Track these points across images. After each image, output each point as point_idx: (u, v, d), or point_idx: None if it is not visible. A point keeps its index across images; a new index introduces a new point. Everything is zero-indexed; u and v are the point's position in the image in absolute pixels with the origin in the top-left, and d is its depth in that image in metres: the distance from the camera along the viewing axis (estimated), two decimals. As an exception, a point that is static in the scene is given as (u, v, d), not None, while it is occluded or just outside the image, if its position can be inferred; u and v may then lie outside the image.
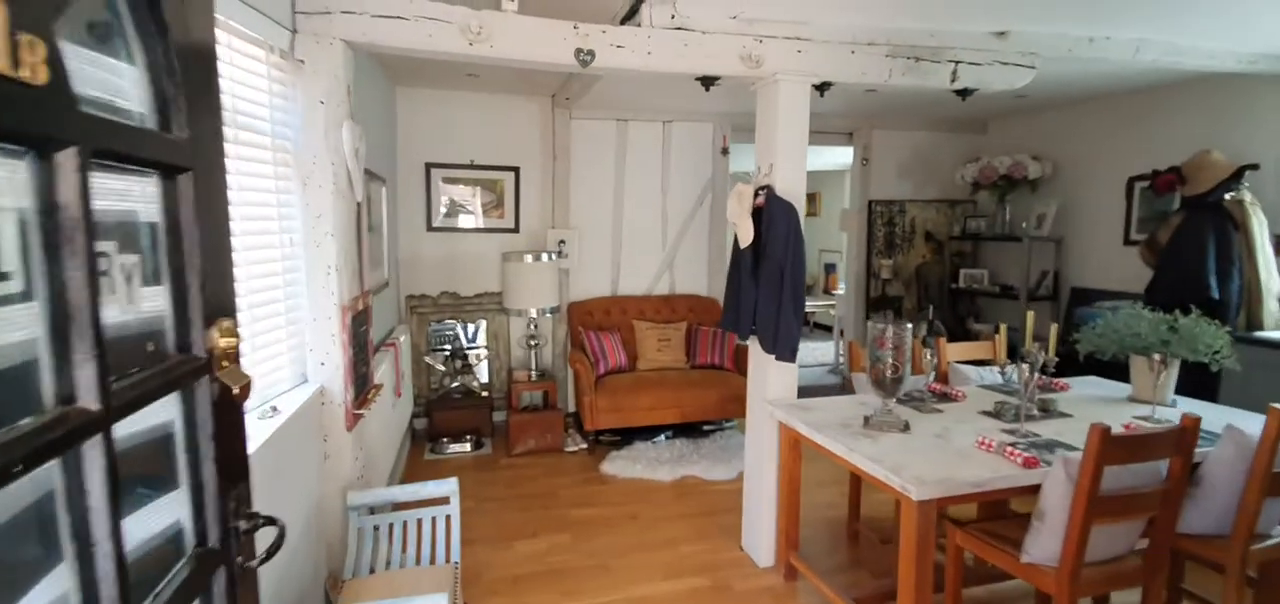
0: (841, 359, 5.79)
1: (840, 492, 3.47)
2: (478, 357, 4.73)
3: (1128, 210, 4.57)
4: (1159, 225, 4.11)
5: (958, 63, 2.84)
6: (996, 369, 3.09)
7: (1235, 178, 3.67)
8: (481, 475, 3.89)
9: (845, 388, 5.66)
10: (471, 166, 4.63)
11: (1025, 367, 2.14)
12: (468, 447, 4.28)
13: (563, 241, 4.76)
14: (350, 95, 2.26)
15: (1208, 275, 3.61)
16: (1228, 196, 3.68)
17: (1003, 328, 2.87)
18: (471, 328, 4.77)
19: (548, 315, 4.39)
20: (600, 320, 4.75)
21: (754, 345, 2.78)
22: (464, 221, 4.68)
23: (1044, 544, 1.82)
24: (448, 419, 4.37)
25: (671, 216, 5.09)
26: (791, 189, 2.65)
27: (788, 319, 2.51)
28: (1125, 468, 1.74)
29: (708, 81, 2.69)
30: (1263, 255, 3.57)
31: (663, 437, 4.39)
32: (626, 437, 4.36)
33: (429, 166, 4.55)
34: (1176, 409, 2.52)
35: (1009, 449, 1.91)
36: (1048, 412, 2.42)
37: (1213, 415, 2.45)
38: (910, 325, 2.19)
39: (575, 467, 4.03)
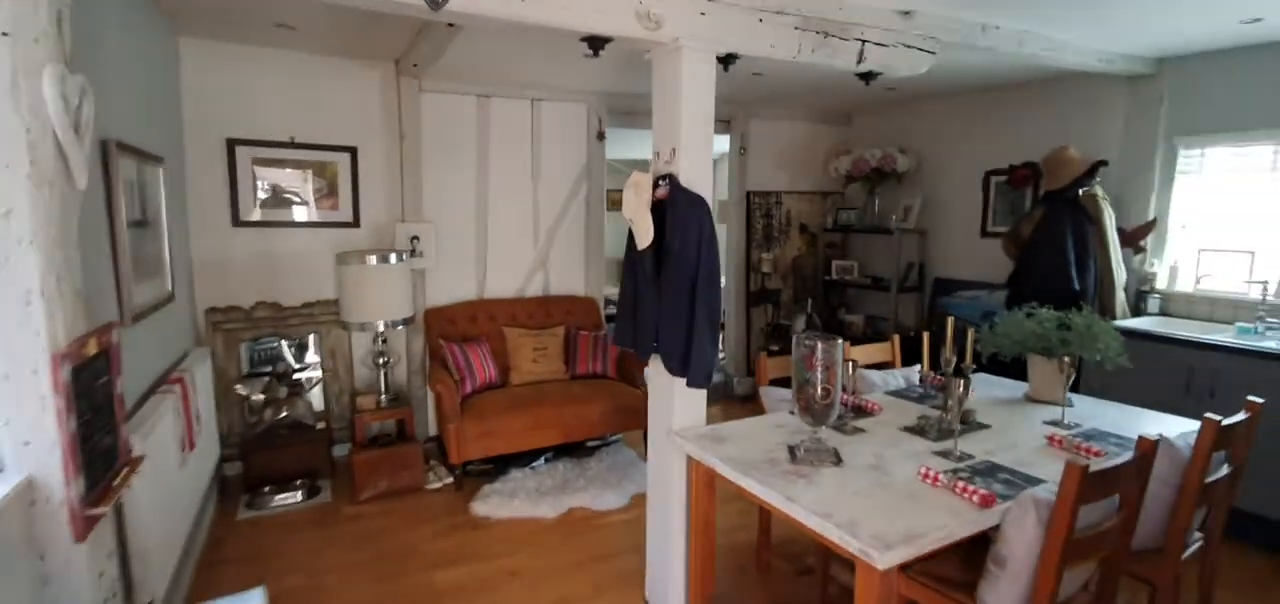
0: (723, 355, 5.60)
1: (742, 509, 3.17)
2: (309, 380, 3.87)
3: (984, 204, 4.75)
4: (1022, 219, 4.26)
5: (865, 42, 2.60)
6: (897, 373, 2.95)
7: (1089, 173, 3.84)
8: (318, 533, 3.12)
9: (728, 387, 5.51)
10: (292, 145, 3.75)
11: (957, 384, 1.92)
12: (299, 495, 3.46)
13: (416, 237, 4.03)
14: (62, 27, 1.49)
15: (1069, 267, 3.75)
16: (1082, 191, 3.85)
17: (896, 340, 2.76)
18: (300, 345, 3.90)
19: (399, 327, 3.67)
20: (465, 330, 4.09)
21: (656, 366, 2.35)
22: (288, 214, 3.79)
23: (1004, 593, 1.57)
24: (271, 462, 3.51)
25: (544, 208, 4.54)
26: (699, 179, 2.24)
27: (701, 340, 2.10)
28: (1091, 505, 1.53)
29: (597, 44, 2.19)
30: (1113, 248, 3.77)
31: (542, 461, 3.86)
32: (501, 465, 3.77)
33: (232, 144, 3.60)
34: (1076, 409, 2.46)
35: (960, 485, 1.65)
36: (967, 422, 2.24)
37: (1112, 414, 2.42)
38: (840, 341, 1.87)
39: (440, 509, 3.38)
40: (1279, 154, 3.39)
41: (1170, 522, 1.81)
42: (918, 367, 2.95)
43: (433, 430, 4.19)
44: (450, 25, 2.59)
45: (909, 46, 2.75)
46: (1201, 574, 2.01)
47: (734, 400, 5.38)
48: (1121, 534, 1.63)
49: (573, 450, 3.99)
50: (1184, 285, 3.77)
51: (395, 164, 4.00)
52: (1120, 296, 3.76)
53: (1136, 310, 3.82)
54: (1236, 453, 1.90)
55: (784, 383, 2.62)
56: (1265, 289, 3.30)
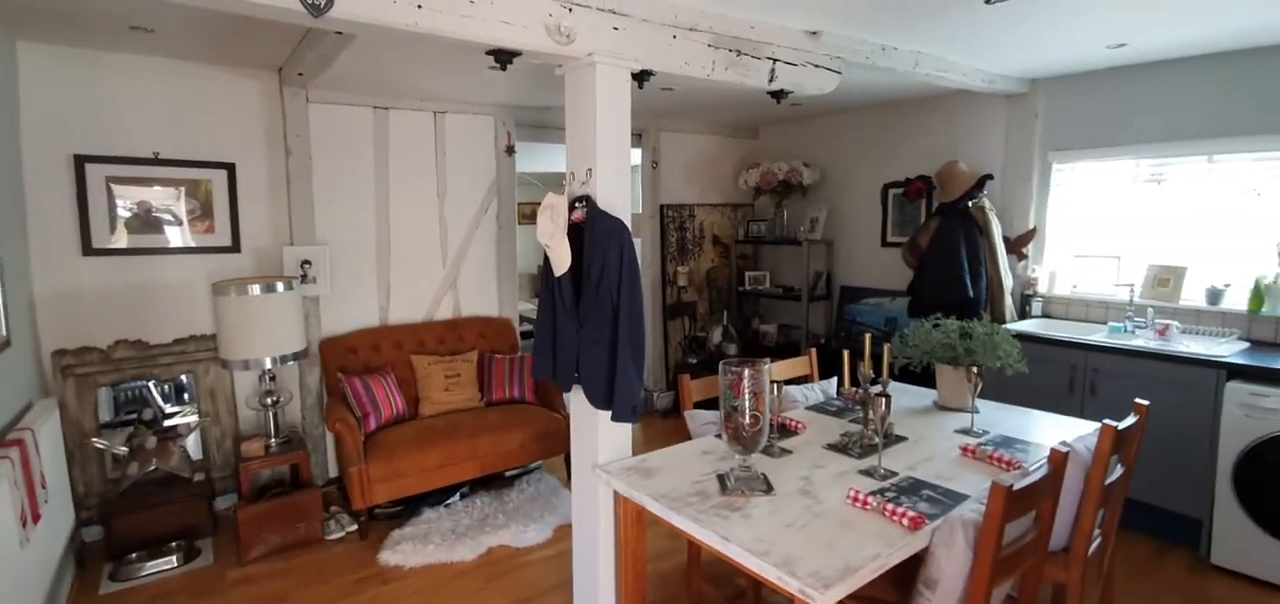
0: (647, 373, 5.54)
1: (671, 531, 3.09)
2: (185, 427, 3.44)
3: (884, 215, 4.98)
4: (919, 230, 4.49)
5: (776, 61, 2.61)
6: (816, 387, 2.98)
7: (977, 186, 4.10)
8: None
9: (649, 403, 5.45)
10: (156, 161, 3.33)
11: (880, 403, 1.93)
12: (174, 560, 3.05)
13: (307, 262, 3.69)
14: None
15: (963, 275, 3.98)
16: (972, 203, 4.10)
17: (813, 354, 2.80)
18: (173, 388, 3.46)
19: (290, 362, 3.33)
20: (368, 360, 3.79)
21: (578, 397, 2.23)
22: (158, 239, 3.36)
23: (935, 614, 1.57)
24: (139, 523, 3.08)
25: (452, 225, 4.30)
26: (617, 201, 2.15)
27: (626, 371, 2.00)
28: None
29: (504, 58, 2.05)
30: (1001, 256, 4.04)
31: (458, 497, 3.62)
32: (412, 506, 3.50)
33: (81, 161, 3.14)
34: (981, 415, 2.56)
35: (888, 507, 1.65)
36: (887, 437, 2.28)
37: (1014, 419, 2.54)
38: (768, 364, 1.83)
39: (343, 562, 3.08)
40: (1140, 167, 3.74)
41: (1075, 524, 1.90)
42: (834, 379, 3.00)
43: (334, 473, 3.84)
44: (339, 34, 2.36)
45: (817, 66, 2.80)
46: (1102, 569, 2.13)
47: (655, 416, 5.33)
48: (1039, 545, 1.68)
49: (491, 483, 3.78)
50: (1062, 289, 4.09)
51: (281, 181, 3.65)
52: (1008, 301, 4.03)
53: (1022, 314, 4.10)
54: (1128, 454, 2.03)
55: (707, 404, 2.58)
56: (1132, 291, 3.63)
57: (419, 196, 4.15)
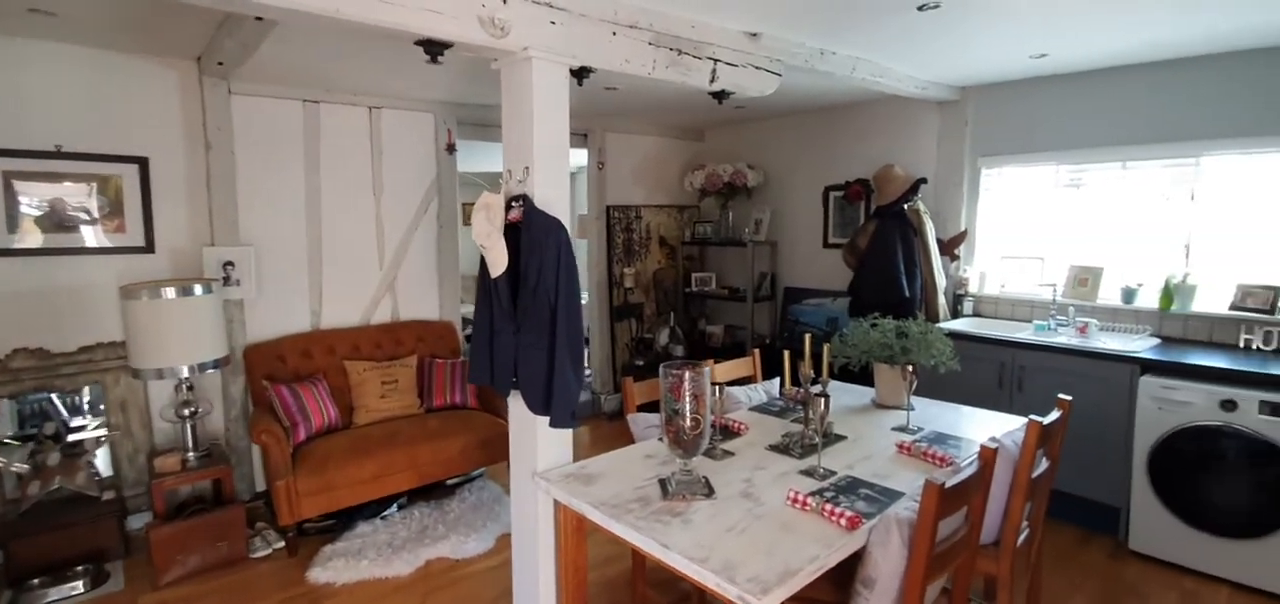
0: (589, 373, 5.49)
1: (611, 536, 3.04)
2: (92, 441, 3.19)
3: (825, 217, 5.09)
4: (858, 231, 4.60)
5: (717, 61, 2.61)
6: (759, 387, 2.99)
7: (912, 190, 4.23)
8: (102, 633, 2.55)
9: (596, 405, 5.40)
10: (58, 155, 3.07)
11: (819, 403, 1.94)
12: (80, 586, 2.81)
13: (230, 263, 3.48)
14: None
15: (900, 276, 4.09)
16: (907, 206, 4.23)
17: (756, 354, 2.82)
18: (80, 400, 3.20)
19: (211, 370, 3.13)
20: (297, 367, 3.60)
21: (517, 403, 2.17)
22: (71, 240, 3.10)
23: (873, 611, 1.59)
24: (42, 546, 2.84)
25: (390, 225, 4.14)
26: (555, 200, 2.09)
27: (564, 374, 1.95)
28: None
29: (434, 49, 1.97)
30: (934, 257, 4.17)
31: (395, 508, 3.48)
32: (345, 519, 3.34)
33: (-33, 156, 2.87)
34: (917, 412, 2.62)
35: (827, 508, 1.65)
36: (826, 436, 2.30)
37: (947, 416, 2.60)
38: (708, 366, 1.82)
39: (270, 582, 2.91)
40: (1060, 173, 3.93)
41: (1004, 518, 1.96)
42: (777, 379, 3.02)
43: (262, 487, 3.64)
44: (259, 19, 2.22)
45: (758, 68, 2.81)
46: (1029, 560, 2.21)
47: (602, 418, 5.29)
48: (971, 540, 1.72)
49: (432, 492, 3.65)
50: (992, 289, 4.26)
51: (200, 178, 3.43)
52: (941, 301, 4.17)
53: (954, 313, 4.25)
54: (1053, 448, 2.11)
55: (652, 406, 2.56)
56: (1054, 290, 3.81)
57: (353, 195, 3.98)
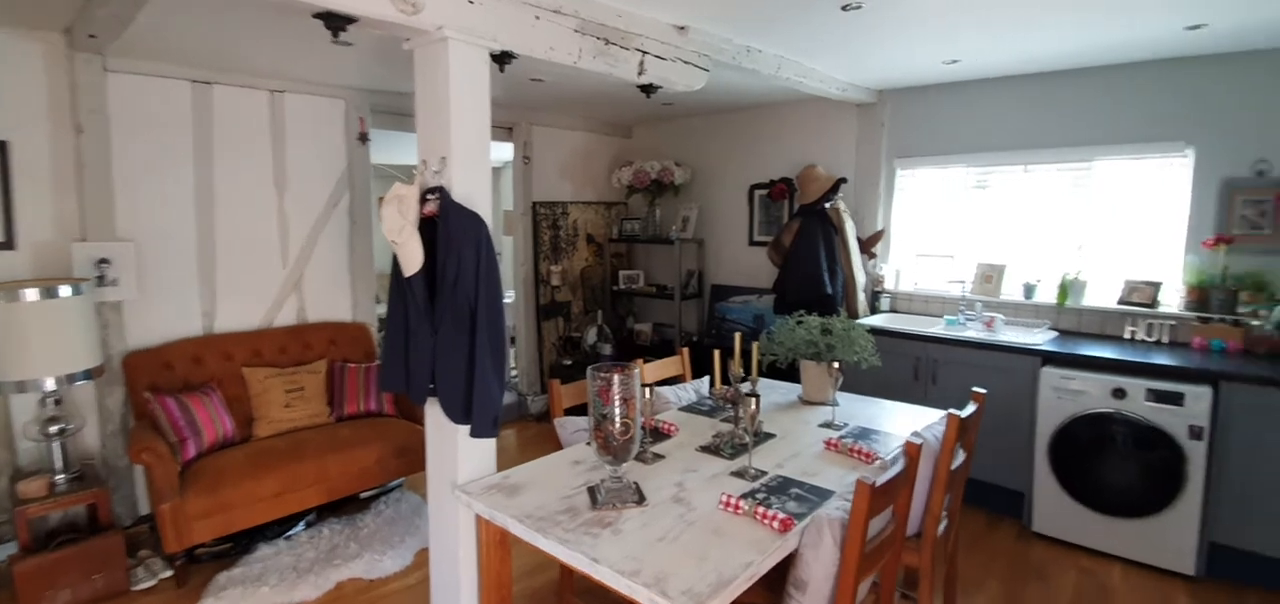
0: (515, 373, 5.32)
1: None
2: (-69, 467, 2.76)
3: (750, 215, 5.15)
4: (782, 230, 4.68)
5: (645, 53, 2.55)
6: (688, 387, 2.97)
7: (834, 189, 4.33)
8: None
9: (522, 407, 5.24)
10: (-118, 139, 2.64)
11: (750, 403, 1.92)
12: (-89, 635, 2.42)
13: (105, 261, 3.11)
14: None
15: (822, 273, 4.18)
16: (828, 205, 4.33)
17: (685, 353, 2.79)
18: (-87, 418, 2.77)
19: (83, 381, 2.78)
20: (187, 376, 3.27)
21: (435, 411, 2.02)
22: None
23: (805, 613, 1.57)
24: None
25: (295, 220, 3.83)
26: (474, 193, 1.96)
27: (485, 379, 1.83)
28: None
29: (335, 23, 1.80)
30: (854, 255, 4.30)
31: (302, 527, 3.22)
32: (244, 542, 3.05)
33: None
34: (841, 407, 2.66)
35: (760, 510, 1.63)
36: (756, 435, 2.29)
37: (869, 410, 2.66)
38: (638, 368, 1.75)
39: (152, 615, 2.62)
40: (969, 174, 4.13)
41: (925, 511, 2.01)
42: (707, 378, 3.00)
43: (146, 510, 3.28)
44: (132, -12, 1.97)
45: (686, 62, 2.78)
46: (947, 549, 2.28)
47: (529, 420, 5.14)
48: (898, 535, 1.74)
49: (344, 507, 3.41)
50: (906, 286, 4.44)
51: (70, 165, 3.05)
52: (861, 298, 4.29)
53: (872, 309, 4.40)
54: (969, 441, 2.18)
55: (580, 410, 2.47)
56: (963, 287, 4.00)
57: (253, 187, 3.65)
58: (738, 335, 2.37)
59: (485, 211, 1.98)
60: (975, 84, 3.94)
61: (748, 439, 2.03)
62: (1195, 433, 2.79)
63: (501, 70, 2.19)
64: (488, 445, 2.04)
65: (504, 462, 2.09)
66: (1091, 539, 3.09)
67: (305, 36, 2.77)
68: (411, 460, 3.37)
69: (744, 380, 2.40)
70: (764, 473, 1.93)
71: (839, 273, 4.25)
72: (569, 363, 5.22)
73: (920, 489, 2.00)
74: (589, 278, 5.59)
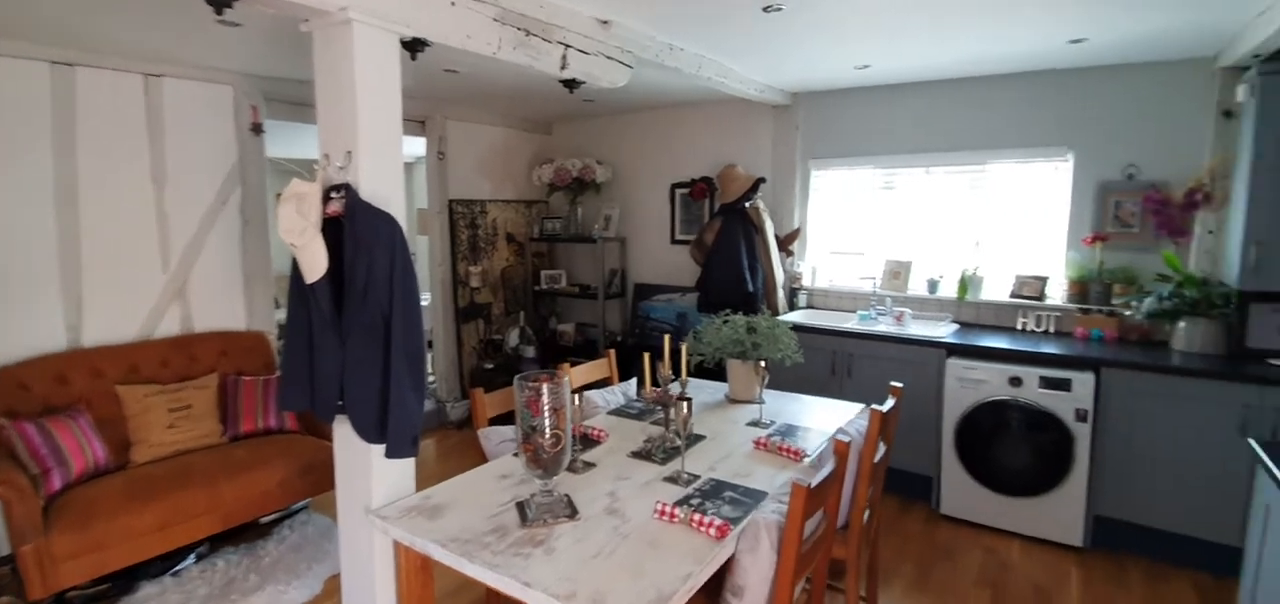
0: (433, 379, 5.08)
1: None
2: None
3: (672, 213, 5.17)
4: (704, 228, 4.72)
5: (568, 47, 2.47)
6: (616, 389, 2.91)
7: (753, 189, 4.41)
8: None
9: (442, 414, 5.01)
10: None
11: (681, 407, 1.89)
12: None
13: (-62, 269, 2.68)
14: None
15: (744, 271, 4.25)
16: (748, 204, 4.41)
17: (612, 355, 2.74)
18: None
19: (-93, 410, 2.37)
20: (49, 397, 2.87)
21: (345, 429, 1.86)
22: None
23: (742, 618, 1.56)
24: None
25: (177, 219, 3.46)
26: (385, 191, 1.82)
27: (403, 395, 1.70)
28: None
29: (219, 1, 1.60)
30: (774, 253, 4.40)
31: (192, 559, 2.91)
32: (124, 581, 2.71)
33: None
34: (767, 405, 2.69)
35: (696, 517, 1.60)
36: (688, 437, 2.27)
37: (793, 407, 2.70)
38: (567, 374, 1.68)
39: (3, 675, 2.27)
40: (877, 175, 4.32)
41: (851, 504, 2.05)
42: (634, 379, 2.96)
43: (5, 551, 2.85)
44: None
45: (609, 58, 2.72)
46: (869, 538, 2.35)
47: (449, 428, 4.93)
48: (830, 532, 1.76)
49: (242, 534, 3.11)
50: (822, 283, 4.59)
51: (-114, 157, 2.59)
52: (780, 295, 4.40)
53: (791, 306, 4.52)
54: (889, 434, 2.25)
55: (505, 419, 2.36)
56: (874, 283, 4.18)
57: (125, 183, 3.26)
58: (666, 337, 2.34)
59: (398, 210, 1.84)
60: (883, 89, 4.12)
61: (679, 443, 2.00)
62: (1081, 416, 3.04)
63: (413, 58, 2.05)
64: (405, 464, 1.90)
65: (423, 477, 1.96)
66: (993, 518, 3.30)
67: (185, 12, 2.48)
68: (319, 479, 3.13)
69: (674, 381, 2.38)
70: (697, 477, 1.90)
71: (759, 271, 4.34)
72: (491, 366, 5.05)
73: (847, 483, 2.05)
74: (510, 278, 5.42)
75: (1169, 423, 2.90)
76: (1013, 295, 3.81)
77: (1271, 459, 1.66)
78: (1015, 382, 3.18)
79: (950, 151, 3.98)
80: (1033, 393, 3.14)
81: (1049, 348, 3.25)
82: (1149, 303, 3.21)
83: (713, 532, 1.54)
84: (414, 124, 4.66)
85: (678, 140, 5.03)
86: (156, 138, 3.35)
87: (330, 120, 1.84)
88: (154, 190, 3.37)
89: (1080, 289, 3.59)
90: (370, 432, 1.74)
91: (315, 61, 1.84)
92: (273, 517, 3.27)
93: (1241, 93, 2.97)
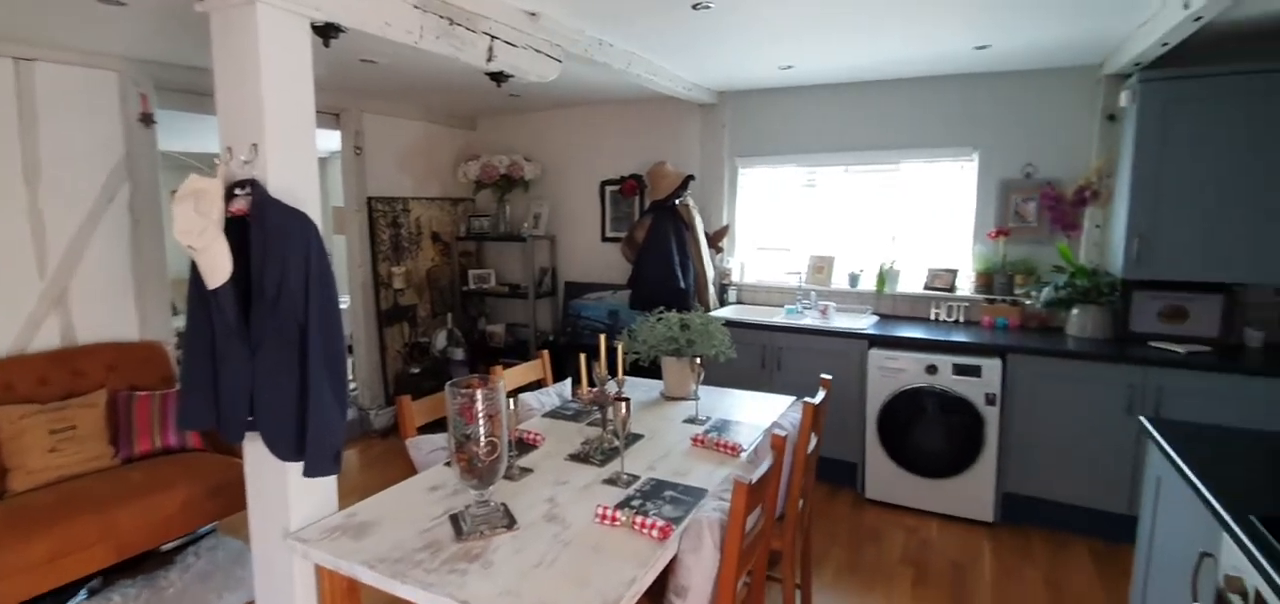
0: (355, 386, 4.83)
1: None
2: None
3: (602, 211, 5.14)
4: (635, 226, 4.72)
5: (494, 39, 2.38)
6: (551, 390, 2.86)
7: (682, 186, 4.45)
8: None
9: (365, 423, 4.76)
10: None
11: (620, 407, 1.86)
12: None
13: None
14: None
15: (675, 268, 4.28)
16: (678, 202, 4.44)
17: (545, 355, 2.68)
18: None
19: None
20: (-110, 423, 2.50)
21: (257, 447, 1.72)
22: None
23: (685, 619, 1.55)
24: None
25: (55, 221, 3.11)
26: (298, 188, 1.69)
27: (322, 407, 1.58)
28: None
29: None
30: (704, 250, 4.45)
31: (84, 595, 2.62)
32: (-11, 625, 2.41)
33: None
34: (702, 400, 2.71)
35: (638, 520, 1.58)
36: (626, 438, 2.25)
37: (727, 402, 2.73)
38: (501, 378, 1.62)
39: None
40: (800, 173, 4.45)
41: (786, 495, 2.10)
42: (569, 380, 2.92)
43: None
44: None
45: (538, 51, 2.65)
46: (802, 526, 2.41)
47: (373, 436, 4.70)
48: (768, 525, 1.78)
49: (141, 564, 2.84)
50: (751, 278, 4.69)
51: None
52: (711, 291, 4.46)
53: (721, 302, 4.59)
54: (820, 426, 2.32)
55: (434, 426, 2.26)
56: (800, 278, 4.31)
57: (-12, 178, 2.90)
58: (602, 336, 2.31)
59: (312, 208, 1.71)
60: (805, 90, 4.25)
61: (618, 444, 1.98)
62: (990, 399, 3.24)
63: (327, 45, 1.91)
64: (327, 481, 1.78)
65: (345, 492, 1.85)
66: (914, 500, 3.47)
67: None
68: (228, 500, 2.90)
69: (610, 380, 2.35)
70: (636, 477, 1.89)
71: (690, 267, 4.38)
72: (417, 371, 4.85)
73: (783, 476, 2.09)
74: (436, 279, 5.22)
75: (1066, 404, 3.14)
76: (926, 287, 4.03)
77: (1161, 435, 1.82)
78: (931, 369, 3.35)
79: (867, 150, 4.15)
80: (947, 379, 3.32)
81: (960, 336, 3.45)
82: (1046, 292, 3.46)
83: (655, 533, 1.53)
84: (328, 116, 4.40)
85: (607, 137, 5.00)
86: (29, 129, 3.00)
87: (232, 111, 1.69)
88: (25, 188, 3.01)
89: (986, 280, 3.83)
90: (286, 450, 1.61)
91: (214, 47, 1.68)
92: (176, 543, 3.00)
93: (1124, 98, 3.25)
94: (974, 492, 3.32)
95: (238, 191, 1.63)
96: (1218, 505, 1.39)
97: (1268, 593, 1.18)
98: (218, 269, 1.57)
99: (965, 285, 3.95)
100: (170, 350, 3.47)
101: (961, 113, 3.86)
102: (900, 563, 3.00)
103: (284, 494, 1.69)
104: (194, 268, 1.64)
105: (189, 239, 1.55)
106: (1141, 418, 2.01)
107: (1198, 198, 2.95)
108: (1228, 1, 2.10)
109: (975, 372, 3.26)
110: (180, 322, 3.78)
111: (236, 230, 1.61)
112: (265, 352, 1.59)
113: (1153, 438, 1.86)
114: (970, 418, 3.28)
